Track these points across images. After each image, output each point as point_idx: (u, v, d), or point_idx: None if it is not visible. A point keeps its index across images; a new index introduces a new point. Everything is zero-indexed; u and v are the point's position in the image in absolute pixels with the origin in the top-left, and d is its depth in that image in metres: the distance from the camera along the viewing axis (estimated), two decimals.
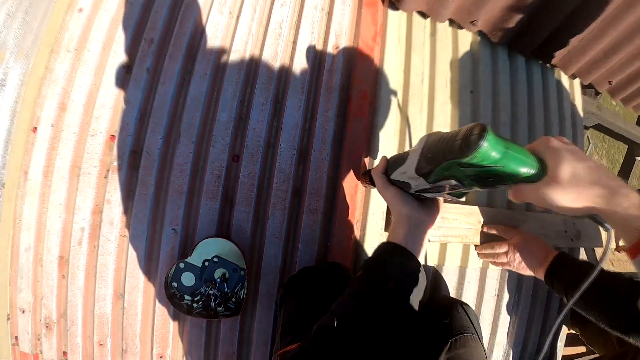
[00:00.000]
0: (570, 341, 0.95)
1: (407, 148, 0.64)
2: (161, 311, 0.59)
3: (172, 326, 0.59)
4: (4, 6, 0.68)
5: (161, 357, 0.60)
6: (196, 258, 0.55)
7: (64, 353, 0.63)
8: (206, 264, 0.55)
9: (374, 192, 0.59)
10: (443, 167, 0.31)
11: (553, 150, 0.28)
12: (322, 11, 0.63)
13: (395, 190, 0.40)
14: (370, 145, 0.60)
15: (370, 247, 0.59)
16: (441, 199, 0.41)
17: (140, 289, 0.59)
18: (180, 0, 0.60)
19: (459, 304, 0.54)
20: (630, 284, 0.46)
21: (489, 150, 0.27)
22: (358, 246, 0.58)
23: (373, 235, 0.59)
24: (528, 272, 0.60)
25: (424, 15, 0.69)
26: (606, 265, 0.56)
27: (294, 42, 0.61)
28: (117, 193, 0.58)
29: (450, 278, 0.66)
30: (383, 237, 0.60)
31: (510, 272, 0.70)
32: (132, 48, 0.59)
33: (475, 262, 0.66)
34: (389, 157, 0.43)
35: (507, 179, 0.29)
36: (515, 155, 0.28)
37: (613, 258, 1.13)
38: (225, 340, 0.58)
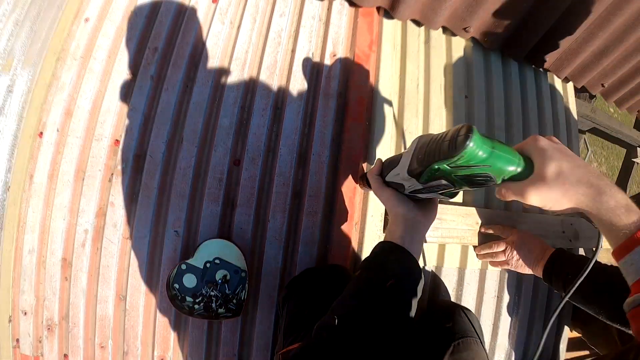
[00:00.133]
0: (574, 346, 0.96)
1: (403, 151, 0.66)
2: (163, 313, 0.61)
3: (174, 328, 0.61)
4: (12, 15, 0.71)
5: (162, 359, 0.62)
6: (198, 260, 0.57)
7: (65, 355, 0.65)
8: (208, 265, 0.57)
9: (372, 194, 0.61)
10: (433, 168, 0.32)
11: (539, 149, 0.29)
12: (320, 21, 0.66)
13: (391, 191, 0.41)
14: (367, 149, 0.63)
15: (369, 248, 0.60)
16: (437, 200, 0.42)
17: (142, 290, 0.61)
18: (183, 11, 0.64)
19: (461, 309, 0.55)
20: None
21: (476, 150, 0.28)
22: (357, 247, 0.60)
23: (372, 237, 0.61)
24: (526, 270, 0.61)
25: (418, 23, 0.73)
26: (606, 261, 0.58)
27: (293, 51, 0.64)
28: (121, 196, 0.61)
29: (449, 280, 0.67)
30: (382, 238, 0.61)
31: (509, 273, 0.71)
32: (136, 56, 0.62)
33: (474, 263, 0.68)
34: (384, 159, 0.45)
35: (495, 178, 0.30)
36: (502, 154, 0.29)
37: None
38: (226, 342, 0.60)
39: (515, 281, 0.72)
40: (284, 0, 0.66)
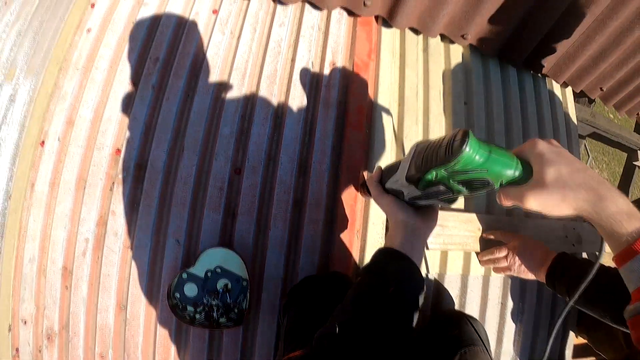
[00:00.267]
0: (580, 352, 0.95)
1: (402, 158, 0.67)
2: (163, 322, 0.61)
3: (175, 337, 0.61)
4: (15, 25, 0.72)
5: None
6: (199, 268, 0.58)
7: None
8: (209, 274, 0.58)
9: (373, 201, 0.62)
10: (431, 174, 0.32)
11: (538, 153, 0.28)
12: (319, 30, 0.67)
13: (390, 198, 0.41)
14: (367, 157, 0.64)
15: (371, 256, 0.61)
16: (438, 206, 0.42)
17: (143, 300, 0.62)
18: (184, 21, 0.65)
19: (467, 317, 0.55)
20: None
21: (472, 155, 0.28)
22: (359, 255, 0.61)
23: (374, 244, 0.61)
24: (529, 276, 0.61)
25: (416, 31, 0.74)
26: (609, 263, 0.58)
27: (293, 60, 0.65)
28: (122, 205, 0.61)
29: (452, 286, 0.67)
30: (384, 244, 0.62)
31: (513, 278, 0.71)
32: (138, 66, 0.63)
33: (477, 269, 0.68)
34: (383, 166, 0.45)
35: (493, 183, 0.30)
36: (499, 158, 0.29)
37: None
38: (228, 351, 0.60)
39: (519, 287, 0.72)
40: (283, 10, 0.67)
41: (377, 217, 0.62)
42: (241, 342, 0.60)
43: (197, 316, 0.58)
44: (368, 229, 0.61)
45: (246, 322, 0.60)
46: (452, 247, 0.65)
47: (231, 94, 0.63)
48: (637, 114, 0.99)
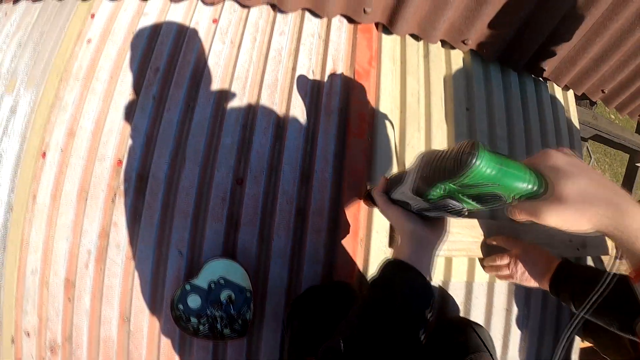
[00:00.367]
0: (585, 356, 0.95)
1: (407, 167, 0.67)
2: (167, 334, 0.61)
3: (178, 349, 0.61)
4: (15, 36, 0.73)
5: None
6: (202, 280, 0.58)
7: None
8: (212, 285, 0.58)
9: (377, 210, 0.62)
10: (439, 188, 0.30)
11: (553, 165, 0.27)
12: (319, 38, 0.67)
13: (397, 209, 0.40)
14: (370, 165, 0.64)
15: (375, 265, 0.61)
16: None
17: (146, 311, 0.61)
18: (184, 31, 0.65)
19: (472, 324, 0.55)
20: None
21: (482, 168, 0.26)
22: (363, 264, 0.61)
23: (377, 253, 0.61)
24: (532, 284, 0.60)
25: (416, 37, 0.74)
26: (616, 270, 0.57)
27: (293, 69, 0.65)
28: (124, 216, 0.61)
29: (457, 293, 0.67)
30: (388, 254, 0.62)
31: (518, 284, 0.71)
32: (138, 76, 0.63)
33: (481, 276, 0.68)
34: (388, 176, 0.43)
35: (506, 197, 0.28)
36: (511, 171, 0.27)
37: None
38: None
39: (525, 293, 0.72)
40: (283, 19, 0.67)
41: (381, 225, 0.62)
42: (245, 353, 0.60)
43: (201, 327, 0.58)
44: (372, 238, 0.61)
45: (250, 333, 0.59)
46: (457, 254, 0.65)
47: (232, 104, 0.63)
48: (639, 116, 0.99)
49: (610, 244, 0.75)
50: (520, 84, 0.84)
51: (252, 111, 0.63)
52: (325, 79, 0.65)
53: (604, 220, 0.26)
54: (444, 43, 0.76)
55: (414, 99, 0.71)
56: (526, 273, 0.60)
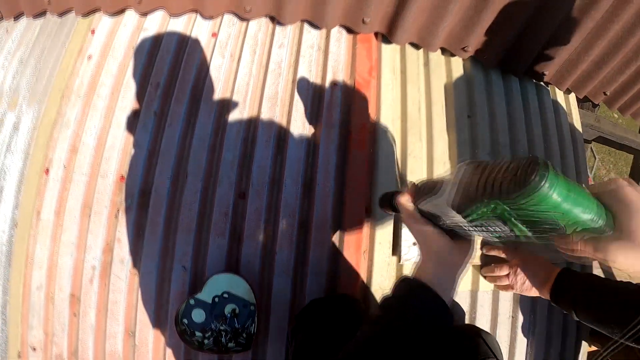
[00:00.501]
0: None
1: (407, 177, 0.67)
2: (172, 348, 0.62)
3: None
4: (17, 53, 0.74)
5: None
6: (206, 294, 0.58)
7: None
8: (216, 300, 0.58)
9: (380, 221, 0.62)
10: (487, 207, 0.27)
11: (626, 201, 0.25)
12: (319, 50, 0.68)
13: (425, 223, 0.36)
14: (372, 176, 0.64)
15: (378, 276, 0.62)
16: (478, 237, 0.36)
17: (151, 326, 0.62)
18: (184, 45, 0.66)
19: (481, 332, 0.55)
20: (636, 290, 0.47)
21: (549, 193, 0.23)
22: (367, 276, 0.61)
23: (381, 265, 0.62)
24: (533, 293, 0.61)
25: (416, 46, 0.74)
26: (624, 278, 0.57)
27: (294, 81, 0.65)
28: (128, 232, 0.62)
29: (462, 302, 0.67)
30: (392, 264, 0.62)
31: None
32: (139, 92, 0.64)
33: (486, 284, 0.68)
34: (417, 182, 0.39)
35: (564, 228, 0.25)
36: (579, 199, 0.24)
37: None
38: None
39: (530, 300, 0.72)
40: (282, 31, 0.68)
41: (384, 236, 0.63)
42: None
43: (206, 341, 0.59)
44: (375, 249, 0.62)
45: (255, 346, 0.60)
46: None
47: (233, 118, 0.63)
48: None
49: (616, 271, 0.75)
50: (521, 89, 0.84)
51: (252, 125, 0.64)
52: (326, 90, 0.66)
53: None
54: (444, 51, 0.76)
55: (415, 108, 0.71)
56: (527, 282, 0.60)
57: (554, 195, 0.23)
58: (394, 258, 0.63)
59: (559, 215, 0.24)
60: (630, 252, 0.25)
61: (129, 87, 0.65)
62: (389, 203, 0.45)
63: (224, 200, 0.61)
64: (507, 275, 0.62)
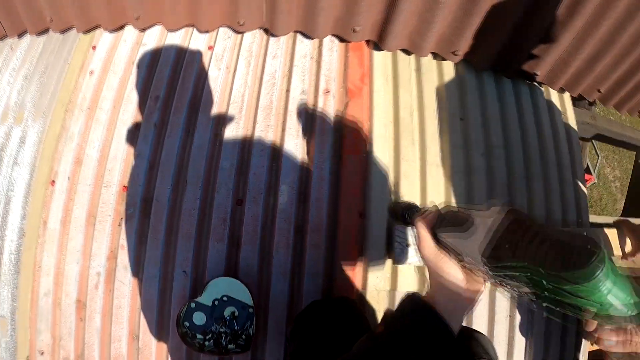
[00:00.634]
0: (594, 358, 0.97)
1: (401, 182, 0.71)
2: (174, 350, 0.66)
3: None
4: (21, 69, 0.79)
5: None
6: (206, 298, 0.63)
7: None
8: (216, 303, 0.63)
9: (374, 223, 0.66)
10: (523, 271, 0.26)
11: None
12: (312, 59, 0.72)
13: (443, 255, 0.35)
14: (366, 180, 0.68)
15: (373, 277, 0.66)
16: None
17: (154, 329, 0.67)
18: (182, 59, 0.71)
19: (475, 332, 0.58)
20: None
21: (599, 285, 0.23)
22: (362, 276, 0.65)
23: (375, 265, 0.66)
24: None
25: (407, 52, 0.78)
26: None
27: (287, 90, 0.70)
28: (131, 239, 0.67)
29: None
30: (387, 264, 0.66)
31: None
32: (139, 105, 0.69)
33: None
34: (442, 208, 0.38)
35: (591, 312, 0.25)
36: (620, 294, 0.23)
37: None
38: None
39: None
40: (276, 42, 0.72)
41: (378, 238, 0.67)
42: None
43: (207, 343, 0.63)
44: (369, 251, 0.66)
45: (254, 347, 0.64)
46: None
47: (229, 127, 0.68)
48: (639, 112, 1.01)
49: (614, 243, 0.77)
50: (514, 90, 0.88)
51: (249, 134, 0.69)
52: (319, 98, 0.70)
53: None
54: (435, 55, 0.80)
55: (407, 112, 0.76)
56: None
57: (603, 288, 0.23)
58: (389, 259, 0.67)
59: (594, 304, 0.24)
60: None
61: (130, 101, 0.70)
62: (401, 215, 0.45)
63: (223, 207, 0.65)
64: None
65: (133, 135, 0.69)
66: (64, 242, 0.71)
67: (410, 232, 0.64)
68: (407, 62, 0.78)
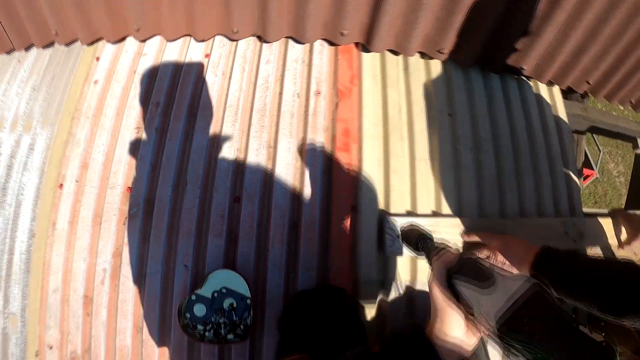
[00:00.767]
0: None
1: (391, 177, 0.77)
2: (176, 341, 0.73)
3: (187, 354, 0.73)
4: (29, 81, 0.88)
5: None
6: (206, 290, 0.69)
7: None
8: (215, 295, 0.69)
9: (365, 217, 0.72)
10: (531, 348, 0.28)
11: None
12: (303, 63, 0.79)
13: (451, 310, 0.36)
14: (357, 177, 0.75)
15: (365, 270, 0.71)
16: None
17: (157, 321, 0.74)
18: (180, 67, 0.78)
19: None
20: (616, 266, 0.51)
21: None
22: (354, 269, 0.71)
23: (367, 258, 0.71)
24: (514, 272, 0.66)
25: (395, 52, 0.85)
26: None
27: (280, 93, 0.77)
28: (134, 237, 0.74)
29: None
30: (378, 258, 0.71)
31: None
32: (141, 111, 0.77)
33: None
34: (463, 253, 0.40)
35: None
36: None
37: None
38: None
39: None
40: (268, 48, 0.80)
41: (369, 232, 0.73)
42: (249, 356, 0.71)
43: (207, 334, 0.69)
44: (361, 244, 0.72)
45: (252, 337, 0.70)
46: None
47: (226, 130, 0.75)
48: (630, 102, 1.05)
49: (609, 233, 0.80)
50: (502, 85, 0.93)
51: (244, 135, 0.76)
52: (311, 100, 0.77)
53: None
54: (422, 54, 0.87)
55: (396, 110, 0.82)
56: (507, 264, 0.62)
57: None
58: (380, 252, 0.73)
59: None
60: None
61: (132, 107, 0.77)
62: (414, 242, 0.47)
63: (221, 205, 0.72)
64: (488, 258, 0.65)
65: (136, 139, 0.76)
66: (71, 241, 0.78)
67: (398, 225, 0.70)
68: (395, 62, 0.85)
